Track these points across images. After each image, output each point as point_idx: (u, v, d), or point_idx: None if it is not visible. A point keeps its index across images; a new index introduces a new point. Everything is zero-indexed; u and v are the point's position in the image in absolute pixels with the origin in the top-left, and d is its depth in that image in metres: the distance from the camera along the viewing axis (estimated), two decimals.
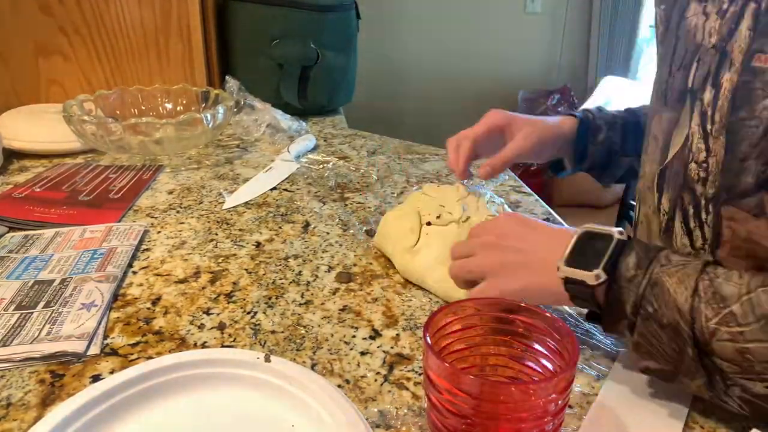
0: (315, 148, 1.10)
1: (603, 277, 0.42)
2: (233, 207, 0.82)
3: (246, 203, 0.84)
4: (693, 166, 0.49)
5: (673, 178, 0.51)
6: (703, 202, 0.48)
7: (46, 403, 0.45)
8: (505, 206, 0.72)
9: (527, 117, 0.73)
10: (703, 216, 0.48)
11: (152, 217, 0.79)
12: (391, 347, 0.53)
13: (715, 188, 0.47)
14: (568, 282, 0.45)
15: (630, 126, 0.73)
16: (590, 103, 2.20)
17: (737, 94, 0.44)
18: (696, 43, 0.48)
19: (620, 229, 0.45)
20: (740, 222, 0.46)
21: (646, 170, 0.57)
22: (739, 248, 0.47)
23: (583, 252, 0.45)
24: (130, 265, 0.66)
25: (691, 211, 0.50)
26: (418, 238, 0.65)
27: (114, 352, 0.51)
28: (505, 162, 0.70)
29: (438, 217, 0.66)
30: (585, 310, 0.48)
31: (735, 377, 0.39)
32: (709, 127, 0.47)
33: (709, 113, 0.47)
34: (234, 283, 0.63)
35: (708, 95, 0.47)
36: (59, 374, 0.48)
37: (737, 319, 0.39)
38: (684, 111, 0.50)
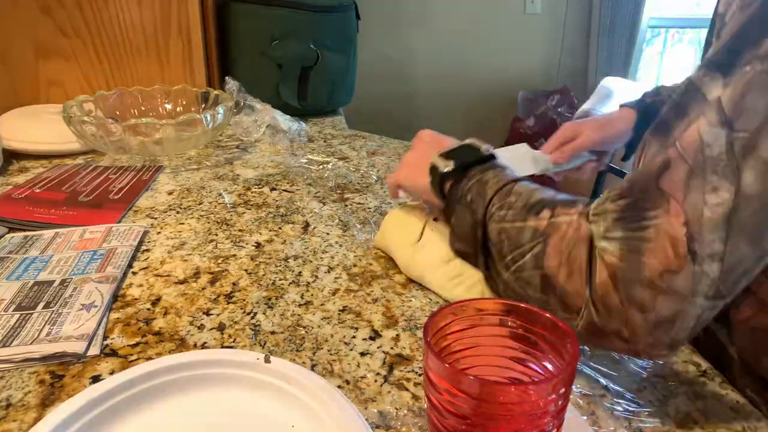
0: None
1: (451, 166, 0.53)
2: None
3: (245, 203, 0.84)
4: None
5: None
6: None
7: (45, 403, 0.45)
8: None
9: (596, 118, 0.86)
10: None
11: (152, 218, 0.79)
12: (391, 348, 0.53)
13: None
14: (431, 168, 0.56)
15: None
16: (590, 104, 2.20)
17: None
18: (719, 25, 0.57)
19: (491, 149, 0.54)
20: None
21: None
22: None
23: (457, 153, 0.55)
24: (129, 266, 0.66)
25: None
26: (422, 234, 0.64)
27: (114, 353, 0.51)
28: (576, 148, 0.83)
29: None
30: None
31: (497, 264, 0.47)
32: None
33: None
34: (234, 284, 0.63)
35: None
36: (59, 375, 0.48)
37: (510, 204, 0.47)
38: None
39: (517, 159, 0.79)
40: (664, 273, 0.37)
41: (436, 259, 0.61)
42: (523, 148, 0.85)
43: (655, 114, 0.77)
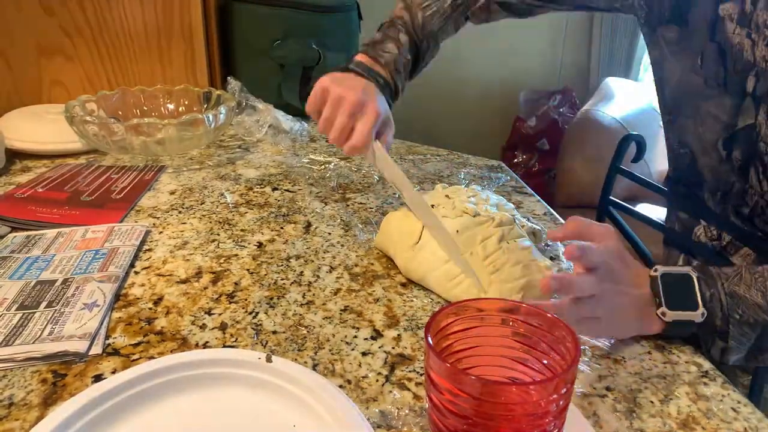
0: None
1: (706, 313, 0.51)
2: None
3: (247, 203, 0.84)
4: (761, 145, 0.62)
5: (743, 141, 0.64)
6: None
7: (47, 402, 0.45)
8: (515, 212, 0.71)
9: None
10: None
11: (154, 218, 0.79)
12: (393, 348, 0.53)
13: None
14: (675, 324, 0.52)
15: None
16: (591, 104, 2.20)
17: None
18: (746, 60, 0.59)
19: (688, 267, 0.53)
20: None
21: (701, 132, 0.68)
22: None
23: (675, 294, 0.52)
24: (132, 266, 0.66)
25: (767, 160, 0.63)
26: (420, 235, 0.65)
27: (116, 352, 0.51)
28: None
29: (432, 206, 0.66)
30: None
31: None
32: None
33: None
34: (236, 284, 0.63)
35: None
36: (61, 374, 0.48)
37: None
38: (747, 103, 0.61)
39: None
40: None
41: (436, 259, 0.61)
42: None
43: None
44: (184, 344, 0.53)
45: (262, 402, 0.45)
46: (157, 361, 0.46)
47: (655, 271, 0.52)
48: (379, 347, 0.53)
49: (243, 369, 0.46)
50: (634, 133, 1.24)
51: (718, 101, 0.65)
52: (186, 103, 1.10)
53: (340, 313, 0.58)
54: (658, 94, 0.76)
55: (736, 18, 0.59)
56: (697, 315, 0.51)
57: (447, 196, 0.69)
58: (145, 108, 1.09)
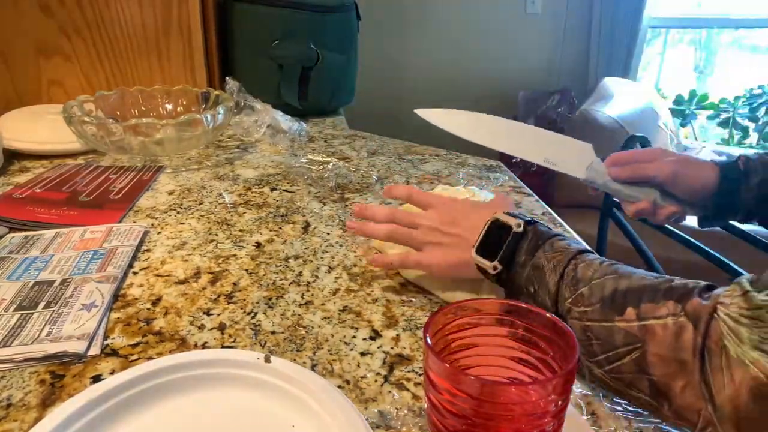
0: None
1: (499, 267, 0.51)
2: None
3: (246, 203, 0.84)
4: None
5: None
6: None
7: (46, 403, 0.45)
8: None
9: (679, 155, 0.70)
10: None
11: (153, 218, 0.79)
12: (392, 348, 0.53)
13: None
14: (477, 266, 0.53)
15: None
16: (590, 104, 2.20)
17: None
18: None
19: (520, 219, 0.51)
20: None
21: None
22: None
23: (489, 241, 0.52)
24: (130, 266, 0.66)
25: None
26: None
27: (114, 353, 0.51)
28: (642, 171, 0.67)
29: None
30: None
31: (583, 359, 0.44)
32: None
33: None
34: (234, 284, 0.63)
35: None
36: (59, 375, 0.48)
37: (584, 299, 0.44)
38: None
39: (571, 152, 0.68)
40: None
41: None
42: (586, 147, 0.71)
43: (740, 179, 0.65)
44: (182, 345, 0.53)
45: (260, 402, 0.45)
46: (155, 361, 0.46)
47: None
48: (378, 347, 0.53)
49: (242, 369, 0.46)
50: (638, 134, 1.24)
51: None
52: (184, 103, 1.10)
53: (339, 314, 0.58)
54: None
55: None
56: (490, 266, 0.51)
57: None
58: (144, 108, 1.09)
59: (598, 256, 0.48)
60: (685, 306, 0.39)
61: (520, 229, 0.51)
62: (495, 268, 0.51)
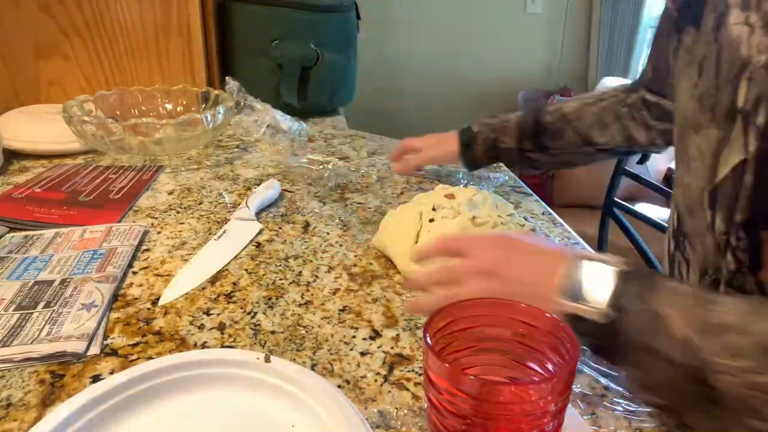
0: (279, 199, 0.86)
1: (612, 315, 0.40)
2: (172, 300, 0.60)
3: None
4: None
5: (726, 198, 0.47)
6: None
7: (46, 403, 0.45)
8: (514, 212, 0.71)
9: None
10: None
11: (152, 218, 0.79)
12: (391, 347, 0.53)
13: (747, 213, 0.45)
14: (570, 317, 0.42)
15: (526, 127, 0.84)
16: None
17: None
18: (741, 57, 0.44)
19: (618, 257, 0.43)
20: None
21: (687, 183, 0.52)
22: None
23: (582, 285, 0.42)
24: (130, 266, 0.66)
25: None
26: (418, 236, 0.65)
27: (114, 353, 0.51)
28: (416, 164, 0.96)
29: (433, 209, 0.66)
30: None
31: (740, 414, 0.36)
32: None
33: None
34: (234, 284, 0.63)
35: (762, 119, 0.43)
36: (59, 374, 0.48)
37: (735, 348, 0.36)
38: (735, 132, 0.45)
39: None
40: None
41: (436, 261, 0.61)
42: None
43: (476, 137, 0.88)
44: (182, 344, 0.53)
45: (260, 402, 0.45)
46: (155, 361, 0.46)
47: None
48: (378, 347, 0.53)
49: (241, 369, 0.46)
50: None
51: (706, 131, 0.48)
52: (184, 103, 1.10)
53: (339, 313, 0.58)
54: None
55: (740, 1, 0.45)
56: (597, 313, 0.40)
57: (447, 196, 0.69)
58: (143, 108, 1.09)
59: (726, 295, 0.40)
60: None
61: (623, 267, 0.42)
62: (607, 316, 0.40)
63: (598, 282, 0.42)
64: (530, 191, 0.93)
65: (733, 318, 0.37)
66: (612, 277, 0.41)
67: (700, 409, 0.38)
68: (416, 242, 0.64)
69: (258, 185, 0.87)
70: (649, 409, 0.46)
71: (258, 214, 0.80)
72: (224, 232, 0.74)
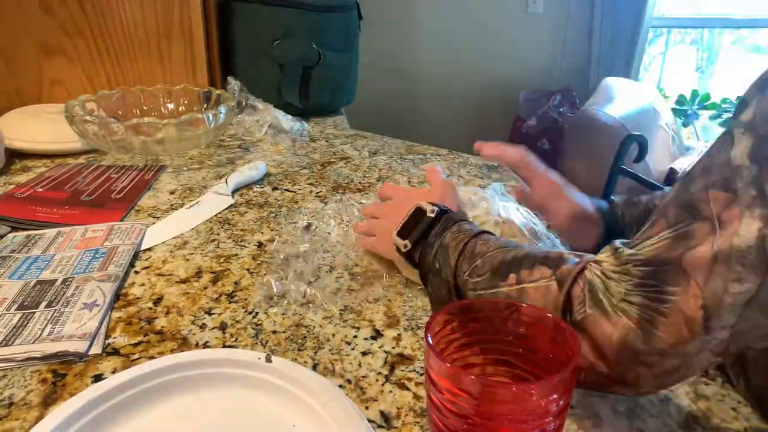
0: (264, 178, 0.94)
1: (408, 245, 0.54)
2: (150, 246, 0.70)
3: (247, 202, 0.84)
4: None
5: None
6: None
7: (47, 402, 0.45)
8: (520, 208, 0.71)
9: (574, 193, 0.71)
10: None
11: (154, 217, 0.79)
12: (393, 347, 0.53)
13: None
14: (396, 248, 0.56)
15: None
16: (592, 103, 2.20)
17: None
18: None
19: (436, 207, 0.55)
20: None
21: None
22: None
23: (409, 225, 0.56)
24: (131, 265, 0.66)
25: None
26: None
27: (116, 352, 0.51)
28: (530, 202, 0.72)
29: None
30: None
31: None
32: None
33: None
34: (235, 283, 0.63)
35: None
36: (61, 374, 0.48)
37: (477, 270, 0.47)
38: None
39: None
40: (676, 344, 0.36)
41: None
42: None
43: (616, 227, 0.70)
44: (184, 344, 0.53)
45: (262, 402, 0.45)
46: (157, 360, 0.46)
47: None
48: (379, 347, 0.53)
49: (243, 369, 0.46)
50: (636, 133, 1.23)
51: None
52: (186, 102, 1.10)
53: (340, 313, 0.58)
54: None
55: None
56: (402, 244, 0.55)
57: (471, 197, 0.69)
58: (145, 108, 1.09)
59: (498, 236, 0.51)
60: (555, 271, 0.42)
61: (433, 215, 0.55)
62: (405, 246, 0.55)
63: (412, 223, 0.56)
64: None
65: (486, 248, 0.48)
66: (422, 221, 0.55)
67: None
68: None
69: (260, 185, 0.87)
70: (650, 410, 0.46)
71: (239, 191, 0.88)
72: (197, 202, 0.80)
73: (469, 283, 0.48)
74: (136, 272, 0.65)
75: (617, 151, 1.64)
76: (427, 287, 0.54)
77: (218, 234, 0.74)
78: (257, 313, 0.57)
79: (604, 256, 0.41)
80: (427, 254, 0.53)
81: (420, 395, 0.47)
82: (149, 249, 0.70)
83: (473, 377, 0.36)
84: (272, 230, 0.76)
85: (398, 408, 0.46)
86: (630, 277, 0.38)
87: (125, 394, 0.43)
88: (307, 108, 1.30)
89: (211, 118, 0.93)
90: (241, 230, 0.76)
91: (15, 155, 1.00)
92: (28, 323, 0.53)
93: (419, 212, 0.56)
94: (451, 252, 0.50)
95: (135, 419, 0.43)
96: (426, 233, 0.54)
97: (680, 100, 2.86)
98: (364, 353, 0.52)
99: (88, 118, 0.90)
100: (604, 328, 0.38)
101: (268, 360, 0.46)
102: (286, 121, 1.14)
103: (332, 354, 0.52)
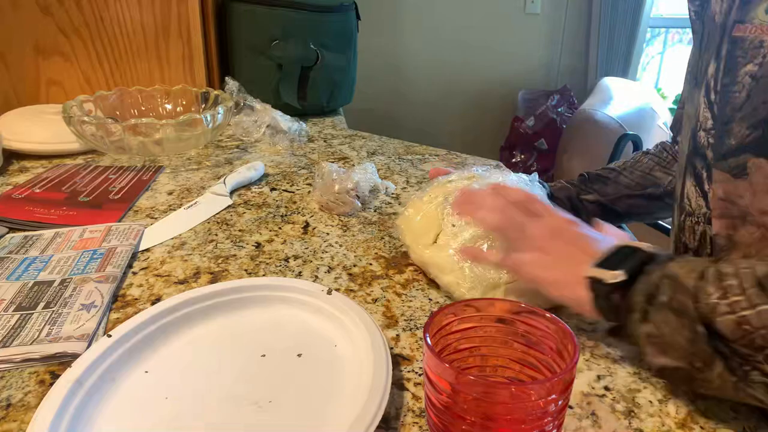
0: (262, 179, 0.94)
1: (621, 277, 0.45)
2: (148, 247, 0.70)
3: (245, 203, 0.84)
4: (701, 133, 0.56)
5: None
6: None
7: None
8: None
9: None
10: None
11: (152, 218, 0.79)
12: (392, 348, 0.53)
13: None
14: (592, 282, 0.46)
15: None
16: (589, 103, 2.20)
17: (726, 64, 0.52)
18: (714, 25, 0.54)
19: (653, 248, 0.47)
20: (721, 182, 0.53)
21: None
22: (715, 208, 0.54)
23: (614, 260, 0.47)
24: (129, 266, 0.66)
25: (704, 174, 0.56)
26: (437, 238, 0.63)
27: None
28: None
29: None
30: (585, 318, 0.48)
31: (747, 357, 0.38)
32: (712, 96, 0.54)
33: (711, 84, 0.54)
34: None
35: (712, 68, 0.54)
36: (59, 375, 0.48)
37: (734, 289, 0.39)
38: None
39: None
40: None
41: (450, 262, 0.60)
42: None
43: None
44: None
45: (314, 323, 0.54)
46: (239, 281, 0.58)
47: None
48: None
49: (307, 296, 0.56)
50: (631, 132, 1.24)
51: (692, 96, 0.59)
52: (184, 103, 1.10)
53: None
54: None
55: None
56: (610, 275, 0.45)
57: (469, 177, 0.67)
58: (143, 108, 1.09)
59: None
60: None
61: (651, 251, 0.47)
62: (615, 276, 0.45)
63: (619, 256, 0.47)
64: None
65: (734, 268, 0.41)
66: (631, 254, 0.46)
67: (709, 366, 0.40)
68: (434, 241, 0.63)
69: (258, 185, 0.87)
70: (649, 410, 0.46)
71: (238, 192, 0.88)
72: (195, 203, 0.82)
73: (721, 306, 0.39)
74: (134, 273, 0.65)
75: (612, 150, 1.64)
76: (635, 332, 0.45)
77: (216, 234, 0.74)
78: None
79: None
80: (639, 287, 0.44)
81: (419, 395, 0.47)
82: (147, 250, 0.70)
83: (472, 377, 0.36)
84: (270, 231, 0.76)
85: (397, 408, 0.45)
86: None
87: (198, 306, 0.54)
88: (305, 108, 1.30)
89: (209, 119, 0.93)
90: (239, 231, 0.76)
91: (12, 156, 1.00)
92: (25, 324, 0.53)
93: (628, 248, 0.47)
94: (687, 279, 0.42)
95: (217, 321, 0.55)
96: (642, 265, 0.45)
97: (678, 99, 2.86)
98: None
99: (85, 118, 0.90)
100: None
101: (329, 293, 0.55)
102: (284, 121, 1.14)
103: None
